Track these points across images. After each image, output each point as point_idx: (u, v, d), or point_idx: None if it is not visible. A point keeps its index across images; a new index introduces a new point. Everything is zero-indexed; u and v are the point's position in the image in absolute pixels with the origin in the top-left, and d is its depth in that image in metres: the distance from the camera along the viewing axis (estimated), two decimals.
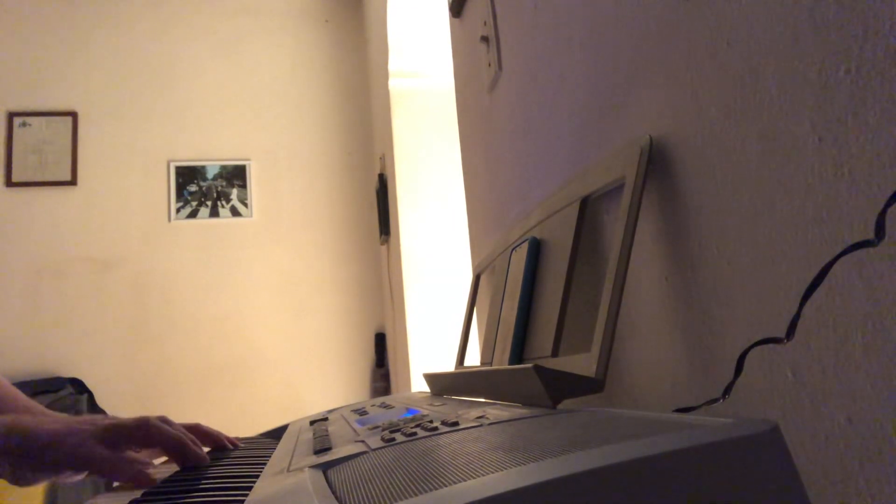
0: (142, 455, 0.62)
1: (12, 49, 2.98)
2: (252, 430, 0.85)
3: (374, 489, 0.31)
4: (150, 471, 0.59)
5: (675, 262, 0.57)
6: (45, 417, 0.59)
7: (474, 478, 0.27)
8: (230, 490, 0.48)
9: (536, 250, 0.78)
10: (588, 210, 0.70)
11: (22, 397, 0.78)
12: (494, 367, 0.72)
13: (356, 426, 0.59)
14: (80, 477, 0.58)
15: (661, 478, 0.25)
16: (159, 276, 2.96)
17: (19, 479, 0.55)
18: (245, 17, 3.28)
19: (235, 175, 3.11)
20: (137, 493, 0.50)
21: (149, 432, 0.59)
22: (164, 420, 0.63)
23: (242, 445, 0.80)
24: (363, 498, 0.30)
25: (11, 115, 2.94)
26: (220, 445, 0.78)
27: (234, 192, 3.10)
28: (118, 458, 0.56)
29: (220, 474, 0.56)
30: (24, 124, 2.94)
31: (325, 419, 0.78)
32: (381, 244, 2.94)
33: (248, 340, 3.00)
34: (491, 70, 1.12)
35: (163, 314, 2.94)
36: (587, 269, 0.73)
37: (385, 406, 0.78)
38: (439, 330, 2.38)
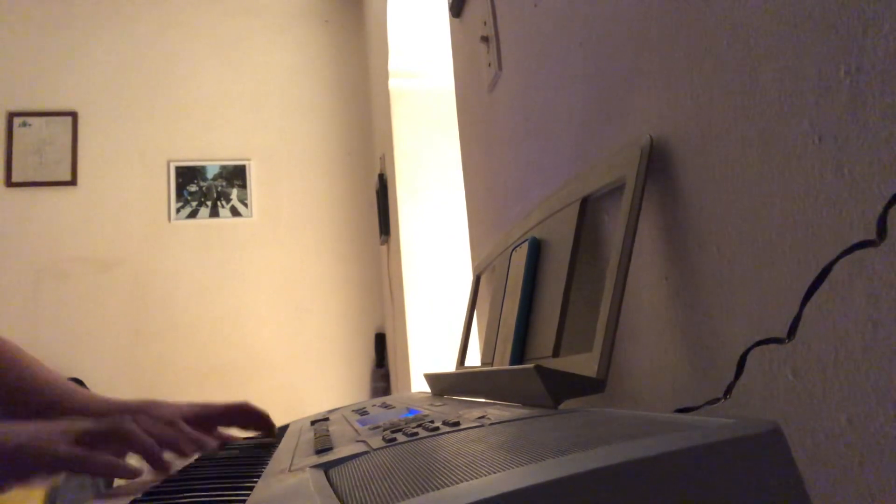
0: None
1: (12, 49, 2.98)
2: None
3: (376, 489, 0.31)
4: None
5: (676, 263, 0.57)
6: (17, 426, 0.57)
7: (476, 478, 0.27)
8: (231, 490, 0.48)
9: (537, 250, 0.78)
10: (588, 210, 0.70)
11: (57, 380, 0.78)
12: (495, 368, 0.73)
13: (357, 426, 0.59)
14: (52, 479, 0.57)
15: (663, 478, 0.25)
16: (159, 276, 2.96)
17: None
18: (245, 17, 3.28)
19: (235, 175, 3.11)
20: (138, 494, 0.50)
21: (120, 437, 0.57)
22: (139, 419, 0.60)
23: (254, 438, 0.80)
24: (365, 498, 0.30)
25: (11, 115, 2.94)
26: (264, 427, 0.80)
27: (234, 192, 3.10)
28: (89, 454, 0.55)
29: (221, 474, 0.56)
30: (24, 124, 2.94)
31: (326, 419, 0.78)
32: (381, 244, 2.94)
33: (248, 340, 3.00)
34: (491, 70, 1.12)
35: (163, 314, 2.94)
36: (588, 270, 0.73)
37: (386, 406, 0.78)
38: (439, 330, 2.38)
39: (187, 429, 0.66)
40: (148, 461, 0.59)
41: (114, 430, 0.58)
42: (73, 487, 2.32)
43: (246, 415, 0.81)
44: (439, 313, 2.40)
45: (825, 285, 0.40)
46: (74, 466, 0.54)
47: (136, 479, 0.59)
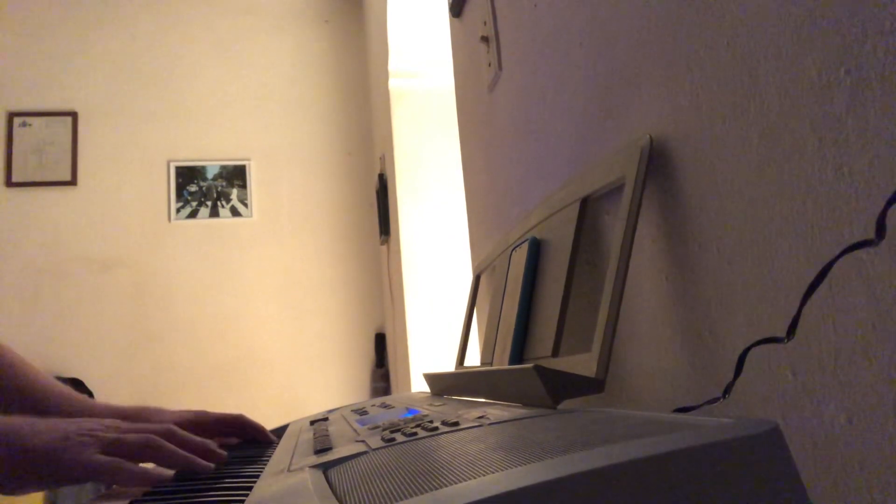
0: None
1: (12, 49, 2.98)
2: None
3: (375, 489, 0.31)
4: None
5: (676, 262, 0.57)
6: (43, 423, 0.55)
7: (475, 478, 0.27)
8: (231, 490, 0.48)
9: (536, 250, 0.78)
10: (588, 210, 0.70)
11: (49, 383, 0.77)
12: (495, 368, 0.73)
13: (357, 426, 0.59)
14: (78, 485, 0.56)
15: (662, 478, 0.25)
16: (159, 276, 2.96)
17: (8, 489, 0.53)
18: (245, 17, 3.28)
19: (235, 175, 3.11)
20: (138, 494, 0.50)
21: (154, 453, 0.56)
22: (170, 434, 0.58)
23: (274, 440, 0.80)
24: (363, 498, 0.30)
25: (11, 115, 2.94)
26: (260, 438, 0.80)
27: (234, 192, 3.10)
28: (118, 463, 0.53)
29: (220, 474, 0.56)
30: (24, 124, 2.94)
31: (326, 419, 0.78)
32: (381, 244, 2.94)
33: (248, 340, 3.00)
34: (491, 70, 1.12)
35: (163, 314, 2.94)
36: (587, 269, 0.73)
37: (385, 406, 0.78)
38: (439, 330, 2.38)
39: (182, 433, 0.64)
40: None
41: (147, 444, 0.56)
42: (73, 487, 2.31)
43: (241, 427, 0.80)
44: (439, 313, 2.40)
45: (824, 285, 0.40)
46: (107, 477, 0.52)
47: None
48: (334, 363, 3.08)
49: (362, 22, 3.40)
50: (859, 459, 0.39)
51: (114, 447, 0.54)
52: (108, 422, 0.59)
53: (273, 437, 0.80)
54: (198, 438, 0.61)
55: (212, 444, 0.62)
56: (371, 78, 3.22)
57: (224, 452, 0.61)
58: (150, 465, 0.57)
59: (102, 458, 0.53)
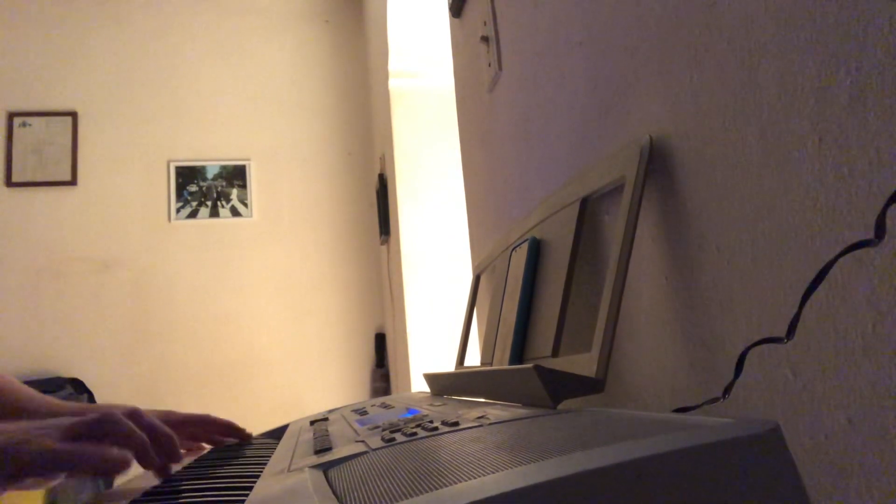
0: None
1: (12, 49, 2.98)
2: (252, 430, 0.86)
3: (375, 489, 0.31)
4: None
5: (675, 262, 0.57)
6: (12, 425, 0.52)
7: (475, 478, 0.27)
8: (230, 490, 0.48)
9: (536, 250, 0.78)
10: (588, 210, 0.70)
11: (26, 391, 0.77)
12: (495, 368, 0.72)
13: (356, 426, 0.59)
14: (52, 482, 0.54)
15: (661, 478, 0.25)
16: (159, 276, 2.96)
17: None
18: (245, 17, 3.28)
19: (235, 175, 3.11)
20: (137, 494, 0.50)
21: (110, 429, 0.53)
22: (134, 414, 0.57)
23: (254, 438, 0.80)
24: (363, 498, 0.30)
25: (11, 115, 2.94)
26: (232, 435, 0.79)
27: (234, 192, 3.10)
28: (79, 448, 0.51)
29: (220, 474, 0.56)
30: (24, 124, 2.94)
31: (326, 419, 0.78)
32: (381, 244, 2.94)
33: (248, 340, 3.00)
34: (491, 70, 1.12)
35: (163, 314, 2.94)
36: (587, 269, 0.73)
37: (385, 406, 0.78)
38: (439, 330, 2.38)
39: (149, 417, 0.62)
40: (138, 459, 0.55)
41: (105, 420, 0.54)
42: (73, 487, 2.31)
43: (209, 426, 0.79)
44: (439, 313, 2.40)
45: (824, 285, 0.40)
46: (65, 463, 0.50)
47: (134, 480, 0.58)
48: (334, 363, 3.08)
49: (362, 22, 3.40)
50: (859, 460, 0.39)
51: (74, 430, 0.53)
52: (67, 418, 0.58)
53: (244, 431, 0.80)
54: (166, 428, 0.59)
55: (175, 440, 0.59)
56: (371, 78, 3.22)
57: (181, 454, 0.60)
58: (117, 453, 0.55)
59: (62, 445, 0.51)
